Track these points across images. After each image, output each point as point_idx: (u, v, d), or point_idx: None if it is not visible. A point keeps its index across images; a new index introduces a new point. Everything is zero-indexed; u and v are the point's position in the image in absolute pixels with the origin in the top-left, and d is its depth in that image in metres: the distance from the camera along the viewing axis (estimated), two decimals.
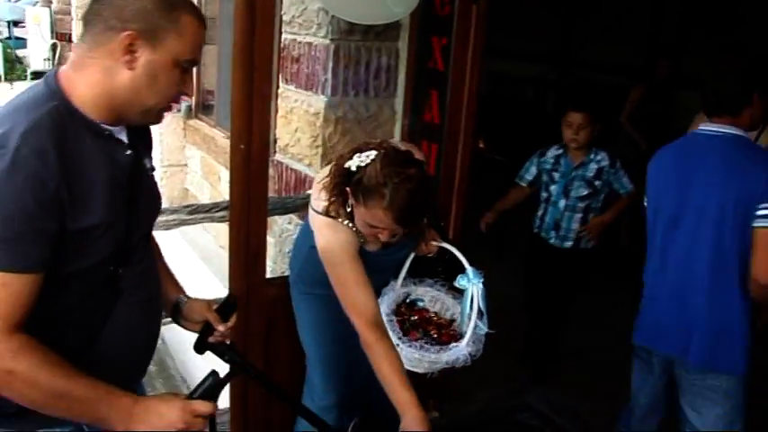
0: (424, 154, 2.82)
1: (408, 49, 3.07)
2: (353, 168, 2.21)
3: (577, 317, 4.43)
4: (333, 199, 2.29)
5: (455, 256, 2.52)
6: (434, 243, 2.59)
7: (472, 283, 2.45)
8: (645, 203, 2.77)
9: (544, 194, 3.97)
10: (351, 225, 2.31)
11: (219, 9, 5.77)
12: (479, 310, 2.43)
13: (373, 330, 2.20)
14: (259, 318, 2.79)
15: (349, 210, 2.29)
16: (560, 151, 3.92)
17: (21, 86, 14.80)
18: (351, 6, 2.79)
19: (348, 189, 2.23)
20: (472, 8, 2.93)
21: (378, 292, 2.50)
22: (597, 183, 3.84)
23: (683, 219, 2.55)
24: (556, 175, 3.92)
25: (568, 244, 3.92)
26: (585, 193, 3.84)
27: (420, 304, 2.70)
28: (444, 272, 2.67)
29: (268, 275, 2.91)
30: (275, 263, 3.41)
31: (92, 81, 1.51)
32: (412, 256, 2.62)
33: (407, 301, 2.69)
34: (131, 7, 1.48)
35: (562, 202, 3.89)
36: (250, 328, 2.75)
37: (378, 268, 2.48)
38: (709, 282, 2.50)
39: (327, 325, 2.65)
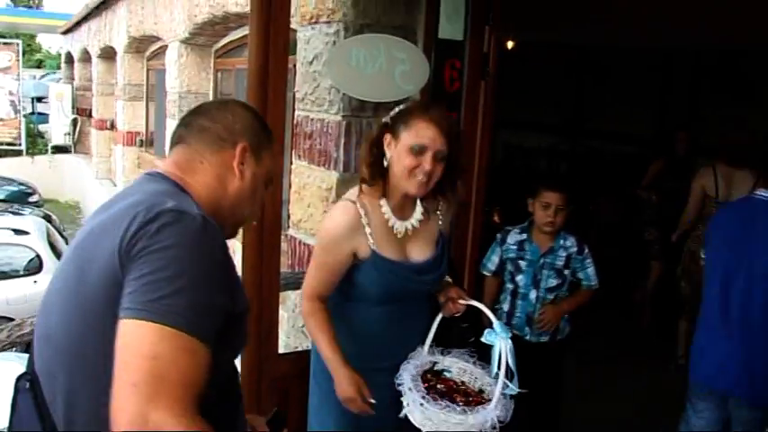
0: None
1: None
2: (389, 119, 2.32)
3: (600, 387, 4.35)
4: (370, 160, 2.32)
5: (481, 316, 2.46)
6: (462, 301, 2.46)
7: (500, 338, 2.31)
8: (703, 255, 3.09)
9: (510, 286, 3.49)
10: (381, 202, 2.36)
11: (235, 85, 5.92)
12: (508, 369, 2.28)
13: (313, 302, 2.36)
14: (272, 393, 2.78)
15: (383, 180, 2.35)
16: (524, 236, 3.47)
17: (41, 160, 15.11)
18: (361, 85, 2.85)
19: (386, 137, 2.29)
20: (481, 84, 3.00)
21: (396, 329, 2.45)
22: (566, 272, 3.45)
23: (739, 272, 2.82)
24: (522, 264, 3.46)
25: (545, 338, 3.47)
26: (555, 284, 3.43)
27: (447, 375, 2.53)
28: (470, 329, 2.58)
29: (281, 350, 2.91)
30: (288, 337, 3.41)
31: (207, 185, 1.56)
32: (439, 317, 2.49)
33: (434, 369, 2.54)
34: (241, 123, 1.60)
35: (533, 294, 3.44)
36: (262, 403, 2.73)
37: (397, 290, 2.40)
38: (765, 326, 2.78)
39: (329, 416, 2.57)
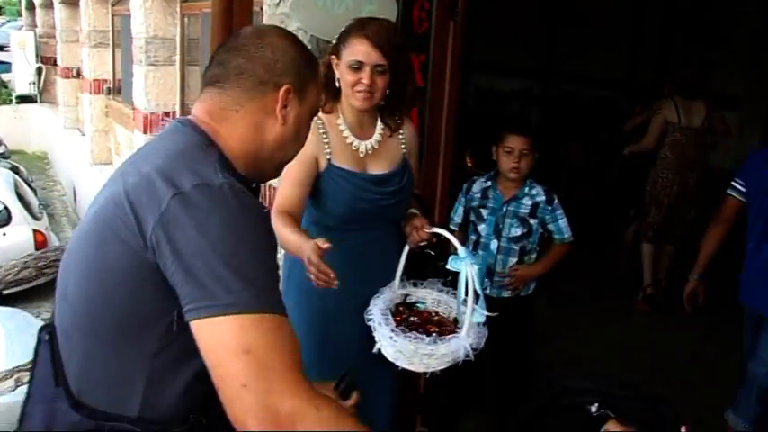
0: None
1: None
2: (333, 41, 2.47)
3: (574, 329, 4.43)
4: (323, 83, 2.31)
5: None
6: (426, 229, 2.43)
7: (465, 263, 2.27)
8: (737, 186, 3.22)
9: (473, 237, 3.37)
10: (338, 121, 2.47)
11: (201, 30, 5.80)
12: (476, 294, 2.25)
13: (279, 212, 2.32)
14: None
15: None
16: (488, 183, 3.33)
17: (5, 110, 14.81)
18: (328, 25, 2.78)
19: (333, 59, 2.42)
20: (449, 24, 2.96)
21: (364, 282, 2.43)
22: (532, 221, 3.27)
23: None
24: (484, 213, 3.32)
25: (506, 294, 3.30)
26: (519, 233, 3.27)
27: (421, 306, 2.52)
28: (438, 257, 2.52)
29: None
30: None
31: (242, 136, 1.45)
32: (407, 249, 2.47)
33: (406, 301, 2.52)
34: (283, 60, 1.46)
35: (494, 244, 3.30)
36: None
37: (354, 203, 2.43)
38: None
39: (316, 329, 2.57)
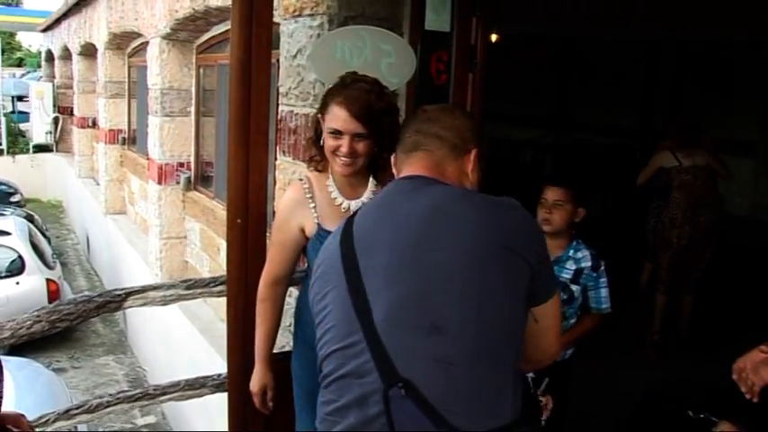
0: None
1: (405, 119, 3.07)
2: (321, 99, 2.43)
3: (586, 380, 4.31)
4: (314, 140, 2.41)
5: None
6: None
7: None
8: None
9: None
10: (328, 181, 2.43)
11: (218, 81, 5.84)
12: None
13: (267, 287, 2.45)
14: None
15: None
16: None
17: (22, 159, 14.95)
18: None
19: (321, 117, 2.36)
20: (468, 77, 2.95)
21: None
22: (574, 287, 3.03)
23: None
24: None
25: None
26: (561, 299, 2.87)
27: None
28: None
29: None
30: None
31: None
32: None
33: None
34: (469, 130, 1.78)
35: None
36: (250, 404, 2.67)
37: None
38: None
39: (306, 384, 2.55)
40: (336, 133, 2.29)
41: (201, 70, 6.36)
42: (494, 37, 8.33)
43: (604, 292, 3.05)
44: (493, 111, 9.25)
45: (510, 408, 1.49)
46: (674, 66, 8.45)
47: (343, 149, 2.29)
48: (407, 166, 1.74)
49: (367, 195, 2.43)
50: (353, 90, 2.30)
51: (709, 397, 1.80)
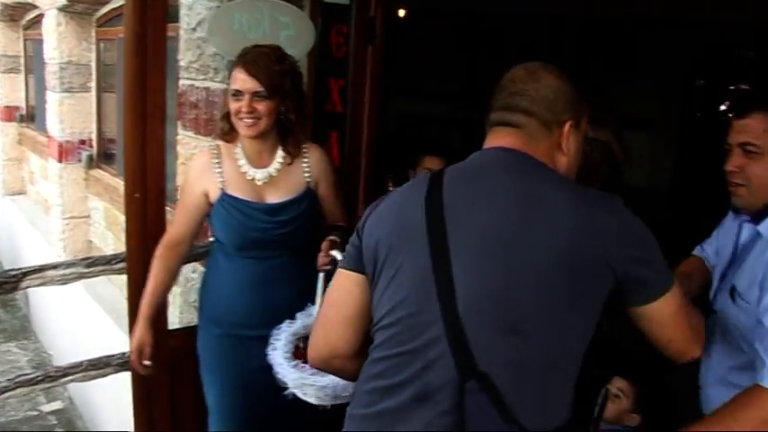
0: None
1: (307, 92, 3.07)
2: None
3: None
4: (224, 111, 2.51)
5: None
6: (333, 252, 2.38)
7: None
8: None
9: None
10: (236, 150, 2.50)
11: (117, 56, 5.68)
12: None
13: (163, 247, 2.50)
14: (163, 371, 2.70)
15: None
16: None
17: None
18: None
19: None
20: (367, 49, 2.97)
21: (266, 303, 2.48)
22: None
23: None
24: None
25: None
26: None
27: None
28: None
29: (176, 325, 2.84)
30: (182, 313, 3.32)
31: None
32: (322, 275, 2.40)
33: None
34: (562, 99, 1.63)
35: None
36: (154, 381, 2.65)
37: (247, 232, 2.46)
38: None
39: (223, 367, 2.58)
40: (237, 94, 2.38)
41: (102, 44, 6.16)
42: (401, 12, 8.37)
43: None
44: (402, 86, 9.31)
45: (569, 410, 1.50)
46: (577, 42, 8.68)
47: (244, 108, 2.36)
48: (496, 140, 1.63)
49: (275, 165, 2.49)
50: (252, 53, 2.41)
51: (605, 355, 1.84)
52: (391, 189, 3.42)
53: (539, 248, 1.44)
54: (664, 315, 1.55)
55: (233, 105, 2.39)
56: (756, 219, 1.96)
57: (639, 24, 7.93)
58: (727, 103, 9.37)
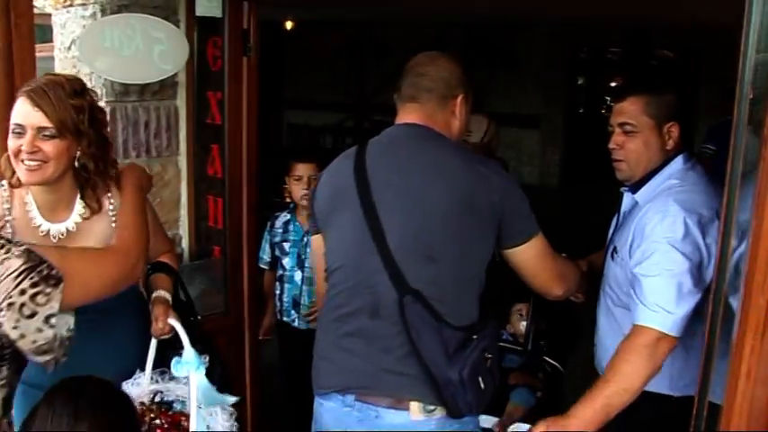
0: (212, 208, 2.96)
1: (187, 106, 3.07)
2: None
3: None
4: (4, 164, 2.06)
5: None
6: (170, 320, 2.15)
7: (190, 369, 2.03)
8: None
9: (279, 272, 3.35)
10: (26, 198, 2.06)
11: None
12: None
13: None
14: None
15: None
16: (288, 217, 3.36)
17: None
18: (121, 68, 2.75)
19: None
20: (243, 61, 2.99)
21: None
22: None
23: None
24: (287, 246, 3.32)
25: (315, 325, 2.98)
26: None
27: (177, 407, 2.12)
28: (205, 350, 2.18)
29: None
30: None
31: (443, 132, 2.08)
32: (155, 342, 2.16)
33: (156, 400, 2.12)
34: (455, 77, 2.09)
35: (298, 275, 3.28)
36: None
37: None
38: None
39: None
40: (17, 130, 1.93)
41: None
42: (289, 24, 8.41)
43: None
44: (293, 97, 9.35)
45: (477, 313, 2.01)
46: (463, 45, 8.91)
47: (25, 148, 1.91)
48: (405, 114, 2.11)
49: (74, 218, 2.08)
50: (41, 81, 1.99)
51: (499, 277, 2.21)
52: (288, 201, 3.45)
53: (441, 199, 1.94)
54: (527, 257, 2.03)
55: (12, 143, 1.93)
56: (634, 189, 2.27)
57: (520, 26, 8.21)
58: (608, 97, 9.83)
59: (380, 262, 1.94)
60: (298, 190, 3.25)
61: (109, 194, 2.12)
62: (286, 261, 3.33)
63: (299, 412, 2.97)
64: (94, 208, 2.08)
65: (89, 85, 2.91)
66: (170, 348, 2.16)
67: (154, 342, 2.16)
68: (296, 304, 3.30)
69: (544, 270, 2.08)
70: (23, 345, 1.56)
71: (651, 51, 8.84)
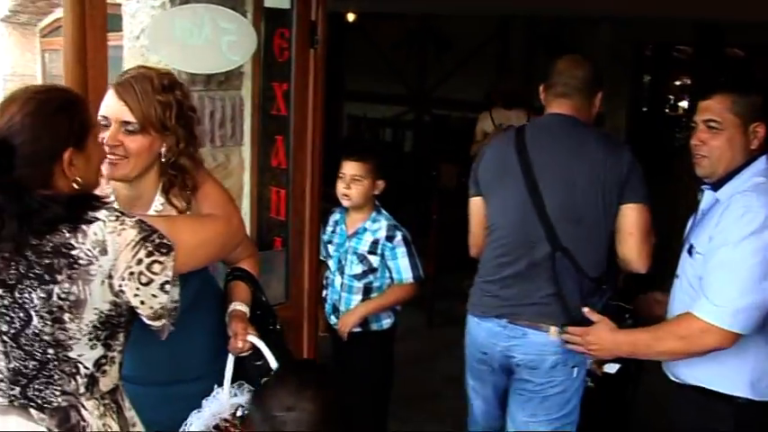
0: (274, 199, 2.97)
1: (252, 97, 3.07)
2: None
3: (451, 348, 4.52)
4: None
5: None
6: (249, 338, 2.07)
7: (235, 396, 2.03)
8: None
9: (326, 272, 3.31)
10: (108, 191, 2.03)
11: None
12: None
13: None
14: None
15: None
16: (338, 216, 3.30)
17: None
18: (189, 57, 2.76)
19: None
20: (310, 53, 2.98)
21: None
22: (372, 258, 3.15)
23: None
24: (331, 248, 3.27)
25: (357, 328, 3.19)
26: (360, 270, 3.16)
27: None
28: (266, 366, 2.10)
29: None
30: None
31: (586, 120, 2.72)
32: (232, 357, 2.09)
33: (238, 414, 2.08)
34: (593, 77, 2.70)
35: (338, 281, 3.22)
36: None
37: None
38: None
39: None
40: (104, 121, 1.93)
41: (47, 55, 6.08)
42: (351, 16, 8.40)
43: (403, 262, 3.15)
44: (353, 89, 9.35)
45: (606, 267, 2.63)
46: (525, 40, 8.78)
47: (108, 141, 1.89)
48: (557, 106, 2.68)
49: (151, 212, 2.01)
50: (131, 74, 2.00)
51: None
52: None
53: (585, 173, 2.53)
54: (630, 219, 2.53)
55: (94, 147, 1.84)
56: (715, 187, 2.32)
57: (584, 21, 8.06)
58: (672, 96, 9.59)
59: (539, 224, 2.54)
60: (339, 187, 3.21)
61: (188, 193, 2.08)
62: (330, 263, 3.29)
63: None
64: (180, 207, 2.04)
65: None
66: (248, 359, 2.10)
67: (231, 357, 2.09)
68: (335, 309, 3.26)
69: (636, 234, 2.52)
70: (143, 311, 1.67)
71: (722, 49, 8.58)
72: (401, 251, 3.15)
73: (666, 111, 9.77)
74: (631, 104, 9.73)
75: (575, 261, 2.52)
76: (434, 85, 9.28)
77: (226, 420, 2.05)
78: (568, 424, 2.67)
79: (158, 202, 2.04)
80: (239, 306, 2.14)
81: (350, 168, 3.18)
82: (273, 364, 2.03)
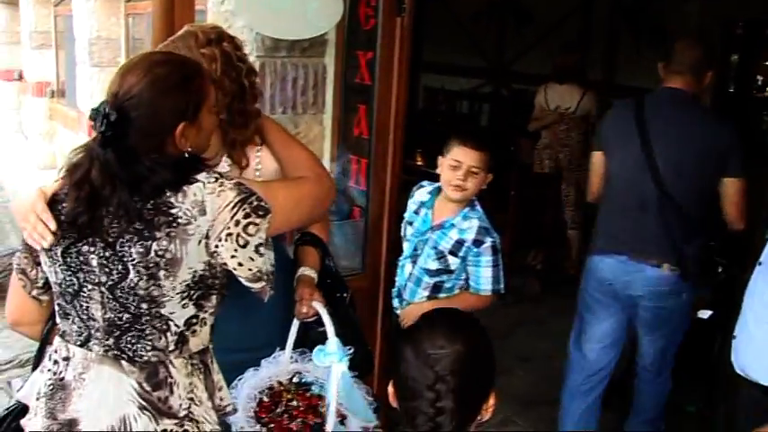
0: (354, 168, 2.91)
1: (335, 65, 3.05)
2: None
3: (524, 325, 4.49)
4: None
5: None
6: (315, 304, 2.05)
7: (332, 361, 1.94)
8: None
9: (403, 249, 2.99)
10: None
11: (146, 30, 5.69)
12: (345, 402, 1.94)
13: None
14: None
15: None
16: (428, 197, 2.91)
17: None
18: (274, 23, 2.75)
19: None
20: (396, 21, 2.94)
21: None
22: (452, 259, 2.79)
23: None
24: (409, 231, 2.93)
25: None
26: (435, 267, 2.82)
27: (315, 390, 2.05)
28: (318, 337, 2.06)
29: None
30: None
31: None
32: (297, 322, 2.08)
33: (294, 380, 2.06)
34: (705, 59, 3.08)
35: (408, 268, 2.92)
36: None
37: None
38: None
39: None
40: None
41: (130, 19, 6.18)
42: None
43: (486, 272, 2.76)
44: (431, 60, 9.24)
45: (706, 215, 3.11)
46: (609, 16, 8.52)
47: None
48: (672, 81, 3.07)
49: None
50: (178, 34, 2.02)
51: None
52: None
53: (691, 142, 2.96)
54: (732, 190, 2.98)
55: None
56: None
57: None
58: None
59: (651, 178, 2.98)
60: (450, 177, 2.75)
61: (257, 149, 2.07)
62: (405, 246, 2.95)
63: None
64: (242, 163, 2.03)
65: (242, 39, 2.97)
66: (313, 326, 2.09)
67: (296, 322, 2.09)
68: (399, 295, 2.98)
69: (739, 203, 2.98)
70: (241, 273, 1.68)
71: None
72: (486, 260, 2.74)
73: (754, 92, 9.36)
74: (718, 84, 9.39)
75: (679, 207, 2.97)
76: (513, 58, 9.09)
77: (280, 384, 2.06)
78: (674, 342, 3.28)
79: (225, 165, 2.02)
80: (307, 271, 2.13)
81: (469, 158, 2.72)
82: (331, 333, 1.98)
